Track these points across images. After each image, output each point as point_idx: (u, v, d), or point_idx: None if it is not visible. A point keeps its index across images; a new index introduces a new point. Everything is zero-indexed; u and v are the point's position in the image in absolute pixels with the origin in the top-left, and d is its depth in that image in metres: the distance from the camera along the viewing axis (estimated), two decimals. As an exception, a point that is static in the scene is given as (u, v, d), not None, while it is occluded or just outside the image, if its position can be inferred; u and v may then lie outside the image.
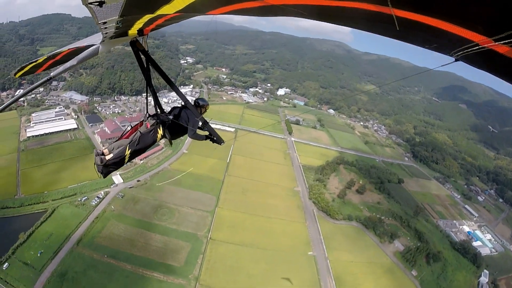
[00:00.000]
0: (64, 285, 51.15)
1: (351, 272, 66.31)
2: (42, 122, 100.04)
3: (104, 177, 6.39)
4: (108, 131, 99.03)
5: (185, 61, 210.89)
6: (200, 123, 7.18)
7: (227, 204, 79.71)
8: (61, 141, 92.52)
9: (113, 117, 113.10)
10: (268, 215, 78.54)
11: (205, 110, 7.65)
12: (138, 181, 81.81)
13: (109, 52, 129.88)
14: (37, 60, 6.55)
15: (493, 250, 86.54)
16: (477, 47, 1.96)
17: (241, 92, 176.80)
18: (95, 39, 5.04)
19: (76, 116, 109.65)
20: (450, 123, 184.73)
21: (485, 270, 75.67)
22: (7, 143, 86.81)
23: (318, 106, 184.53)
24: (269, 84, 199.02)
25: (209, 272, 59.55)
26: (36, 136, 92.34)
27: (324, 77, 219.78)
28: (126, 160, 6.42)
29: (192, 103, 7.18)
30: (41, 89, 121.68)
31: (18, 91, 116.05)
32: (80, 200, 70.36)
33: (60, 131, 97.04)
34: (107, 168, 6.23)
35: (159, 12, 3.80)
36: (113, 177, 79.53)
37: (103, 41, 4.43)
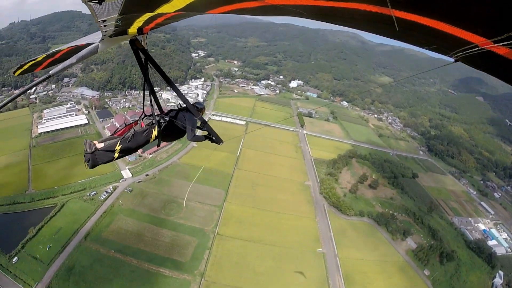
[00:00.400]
0: (71, 279, 51.90)
1: (361, 271, 64.32)
2: (54, 118, 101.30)
3: (91, 167, 6.24)
4: (118, 126, 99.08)
5: (197, 55, 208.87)
6: (199, 123, 7.20)
7: (235, 198, 78.83)
8: (72, 136, 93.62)
9: (124, 112, 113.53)
10: (277, 210, 77.12)
11: (202, 114, 7.72)
12: (147, 175, 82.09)
13: (119, 47, 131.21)
14: (36, 59, 6.64)
15: (508, 250, 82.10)
16: (476, 49, 1.97)
17: (253, 85, 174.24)
18: (95, 37, 5.10)
19: (87, 112, 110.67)
20: (466, 116, 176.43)
21: (500, 271, 71.80)
22: (20, 139, 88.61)
23: (331, 98, 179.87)
24: (281, 76, 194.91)
25: (215, 268, 59.07)
26: (47, 132, 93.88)
27: (338, 68, 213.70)
28: (116, 155, 6.33)
29: None
30: (53, 85, 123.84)
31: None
32: (89, 194, 71.14)
33: (71, 127, 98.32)
34: (94, 158, 6.06)
35: (158, 11, 3.82)
36: (122, 172, 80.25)
37: (103, 39, 4.49)
